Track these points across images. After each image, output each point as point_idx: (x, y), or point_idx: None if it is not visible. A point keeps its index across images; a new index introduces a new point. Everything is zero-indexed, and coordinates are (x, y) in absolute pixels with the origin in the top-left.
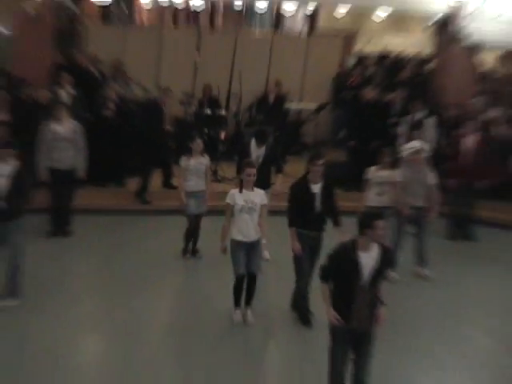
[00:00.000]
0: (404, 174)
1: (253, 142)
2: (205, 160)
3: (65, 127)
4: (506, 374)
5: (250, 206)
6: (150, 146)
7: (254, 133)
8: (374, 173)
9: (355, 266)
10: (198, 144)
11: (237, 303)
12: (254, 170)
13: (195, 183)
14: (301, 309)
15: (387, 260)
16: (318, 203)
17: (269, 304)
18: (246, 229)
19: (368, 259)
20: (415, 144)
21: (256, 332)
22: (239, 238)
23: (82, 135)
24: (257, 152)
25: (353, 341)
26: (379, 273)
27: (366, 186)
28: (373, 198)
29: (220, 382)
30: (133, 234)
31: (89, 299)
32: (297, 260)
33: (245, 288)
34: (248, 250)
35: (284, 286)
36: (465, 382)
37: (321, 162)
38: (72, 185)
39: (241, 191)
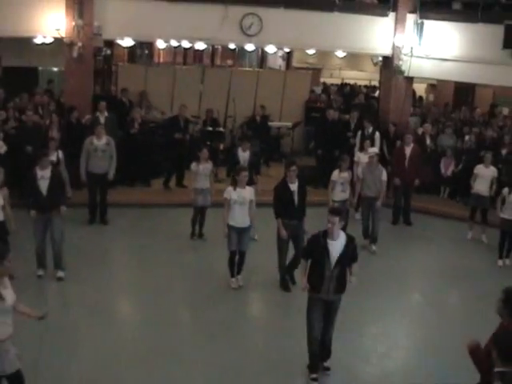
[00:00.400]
0: (363, 171)
1: (239, 149)
2: (209, 165)
3: (101, 141)
4: (430, 322)
5: (241, 201)
6: (167, 155)
7: (240, 142)
8: (337, 175)
9: (324, 250)
10: (205, 153)
11: (232, 273)
12: (246, 173)
13: (202, 183)
14: (281, 278)
15: (352, 247)
16: (296, 198)
17: (256, 272)
18: (237, 217)
19: (335, 246)
20: (373, 150)
21: (245, 292)
22: (232, 223)
23: (114, 148)
24: (243, 157)
25: (323, 308)
26: (345, 257)
27: (331, 185)
28: (338, 194)
29: (219, 325)
30: (155, 221)
31: (122, 270)
32: (279, 241)
33: (237, 261)
34: (239, 233)
35: (268, 259)
36: (400, 329)
37: (294, 167)
38: (106, 184)
39: (235, 188)
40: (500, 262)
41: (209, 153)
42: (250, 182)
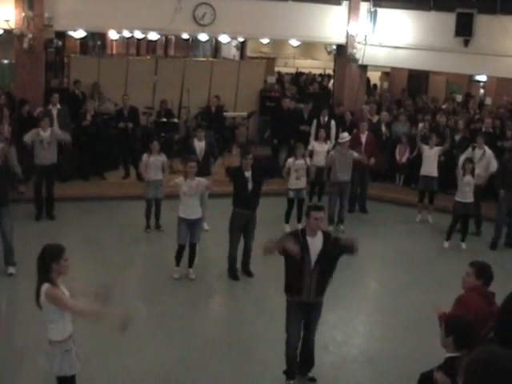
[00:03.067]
0: (336, 157)
1: (195, 140)
2: (161, 157)
3: (46, 133)
4: (387, 308)
5: (192, 192)
6: (121, 147)
7: (194, 133)
8: (292, 162)
9: (304, 249)
10: (155, 145)
11: (177, 264)
12: (194, 164)
13: (154, 174)
14: (231, 268)
15: (332, 241)
16: (250, 185)
17: (208, 263)
18: (188, 209)
19: (315, 243)
20: (345, 135)
21: (197, 283)
22: (182, 215)
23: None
24: (199, 147)
25: (303, 311)
26: (325, 255)
27: (285, 171)
28: (293, 182)
29: (172, 317)
30: (109, 214)
31: (73, 263)
32: (231, 232)
33: (188, 253)
34: (190, 226)
35: (222, 250)
36: (358, 316)
37: (250, 156)
38: (52, 178)
39: (185, 180)
40: (446, 244)
41: (161, 145)
42: (207, 173)
